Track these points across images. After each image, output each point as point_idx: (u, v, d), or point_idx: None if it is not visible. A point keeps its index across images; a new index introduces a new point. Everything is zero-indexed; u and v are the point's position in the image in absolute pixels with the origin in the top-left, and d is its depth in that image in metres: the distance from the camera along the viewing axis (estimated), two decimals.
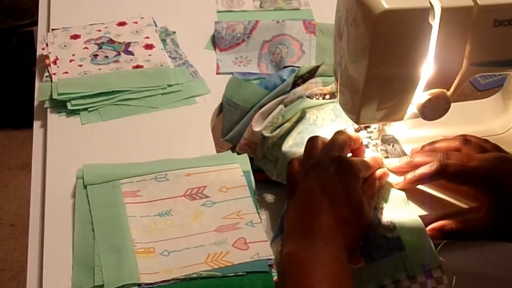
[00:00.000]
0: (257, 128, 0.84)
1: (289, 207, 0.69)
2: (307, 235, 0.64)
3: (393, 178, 0.74)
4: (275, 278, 0.68)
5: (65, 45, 1.00)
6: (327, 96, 0.83)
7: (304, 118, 0.81)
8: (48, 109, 0.91)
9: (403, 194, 0.72)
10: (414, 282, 0.66)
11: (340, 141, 0.72)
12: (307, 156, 0.71)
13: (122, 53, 0.99)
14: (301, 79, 0.87)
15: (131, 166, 0.80)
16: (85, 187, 0.77)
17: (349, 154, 0.75)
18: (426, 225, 0.69)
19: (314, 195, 0.66)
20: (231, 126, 0.92)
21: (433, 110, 0.68)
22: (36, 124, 0.91)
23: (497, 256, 0.75)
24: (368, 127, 0.77)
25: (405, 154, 0.77)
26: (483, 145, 0.73)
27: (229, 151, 0.84)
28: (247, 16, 1.09)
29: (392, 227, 0.68)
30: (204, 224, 0.74)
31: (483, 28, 0.63)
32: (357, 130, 0.77)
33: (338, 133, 0.73)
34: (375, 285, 0.66)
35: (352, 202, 0.66)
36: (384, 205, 0.71)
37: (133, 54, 0.99)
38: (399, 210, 0.70)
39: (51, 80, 0.93)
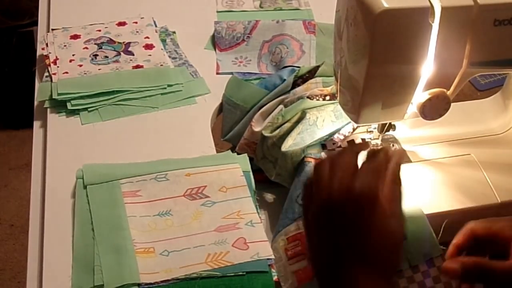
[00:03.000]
0: (257, 128, 0.84)
1: (313, 254, 0.61)
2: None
3: None
4: (275, 278, 0.68)
5: (65, 45, 1.00)
6: (328, 97, 0.83)
7: (304, 118, 0.81)
8: (48, 109, 0.91)
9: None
10: (417, 272, 0.66)
11: (347, 163, 0.61)
12: (318, 189, 0.60)
13: (122, 53, 0.99)
14: (301, 79, 0.87)
15: (131, 166, 0.80)
16: (85, 187, 0.77)
17: None
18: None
19: (338, 247, 0.57)
20: (231, 126, 0.92)
21: (433, 110, 0.68)
22: (36, 124, 0.91)
23: None
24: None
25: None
26: None
27: (229, 151, 0.84)
28: (247, 16, 1.09)
29: None
30: (204, 224, 0.74)
31: (483, 28, 0.63)
32: (353, 129, 0.76)
33: (344, 153, 0.63)
34: None
35: (382, 233, 0.57)
36: None
37: (133, 54, 0.99)
38: None
39: (51, 80, 0.93)
